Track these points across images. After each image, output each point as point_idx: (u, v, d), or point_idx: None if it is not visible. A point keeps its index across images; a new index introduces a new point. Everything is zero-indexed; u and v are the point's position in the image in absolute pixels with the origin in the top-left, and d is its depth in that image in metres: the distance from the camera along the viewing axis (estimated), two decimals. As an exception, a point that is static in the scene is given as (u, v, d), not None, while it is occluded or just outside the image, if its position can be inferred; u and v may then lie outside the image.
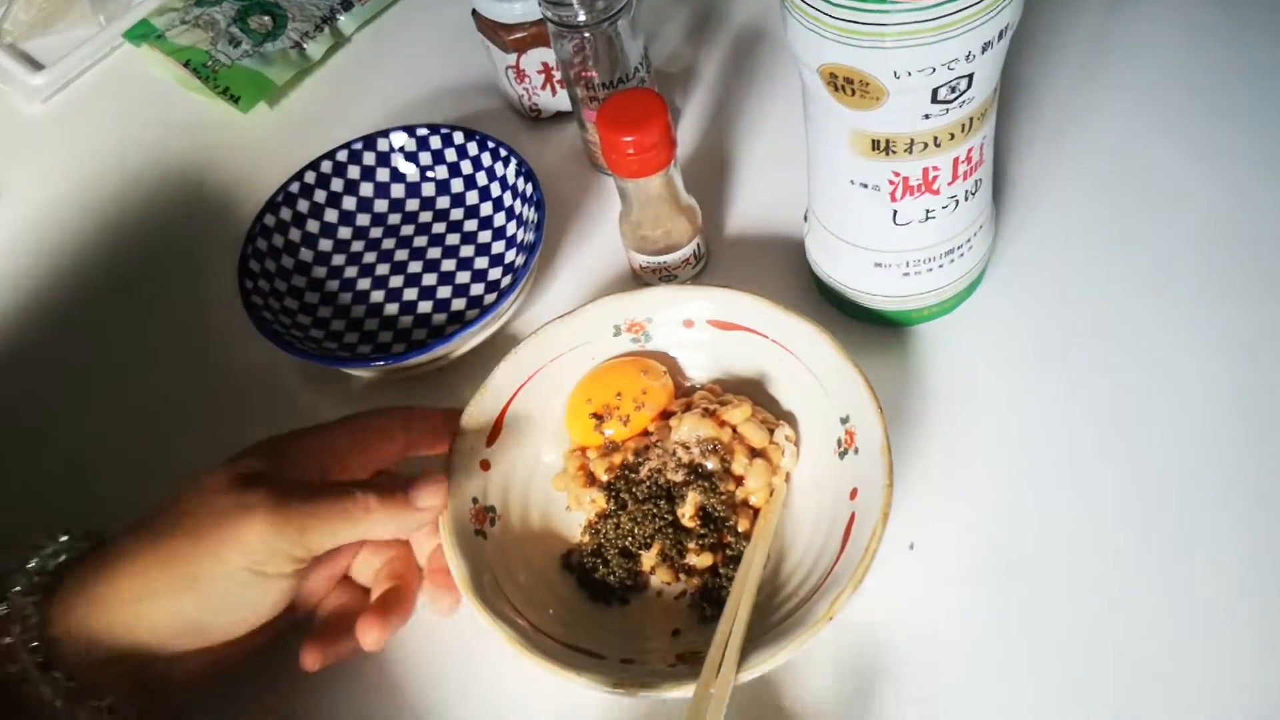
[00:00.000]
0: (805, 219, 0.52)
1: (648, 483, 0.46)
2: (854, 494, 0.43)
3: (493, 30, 0.60)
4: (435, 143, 0.60)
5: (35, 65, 0.77)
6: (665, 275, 0.55)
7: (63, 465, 0.56)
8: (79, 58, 0.76)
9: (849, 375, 0.44)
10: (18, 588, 0.39)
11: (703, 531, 0.45)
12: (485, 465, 0.47)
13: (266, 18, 0.72)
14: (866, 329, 0.52)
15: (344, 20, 0.73)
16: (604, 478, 0.47)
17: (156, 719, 0.40)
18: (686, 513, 0.45)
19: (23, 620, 0.38)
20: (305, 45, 0.72)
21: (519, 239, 0.57)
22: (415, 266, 0.59)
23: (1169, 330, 0.50)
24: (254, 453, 0.42)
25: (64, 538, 0.41)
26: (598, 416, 0.48)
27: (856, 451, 0.44)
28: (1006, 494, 0.47)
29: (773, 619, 0.41)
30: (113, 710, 0.39)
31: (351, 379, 0.55)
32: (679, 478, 0.46)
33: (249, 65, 0.70)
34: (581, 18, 0.53)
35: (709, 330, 0.49)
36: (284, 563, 0.39)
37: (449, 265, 0.58)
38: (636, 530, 0.45)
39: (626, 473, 0.46)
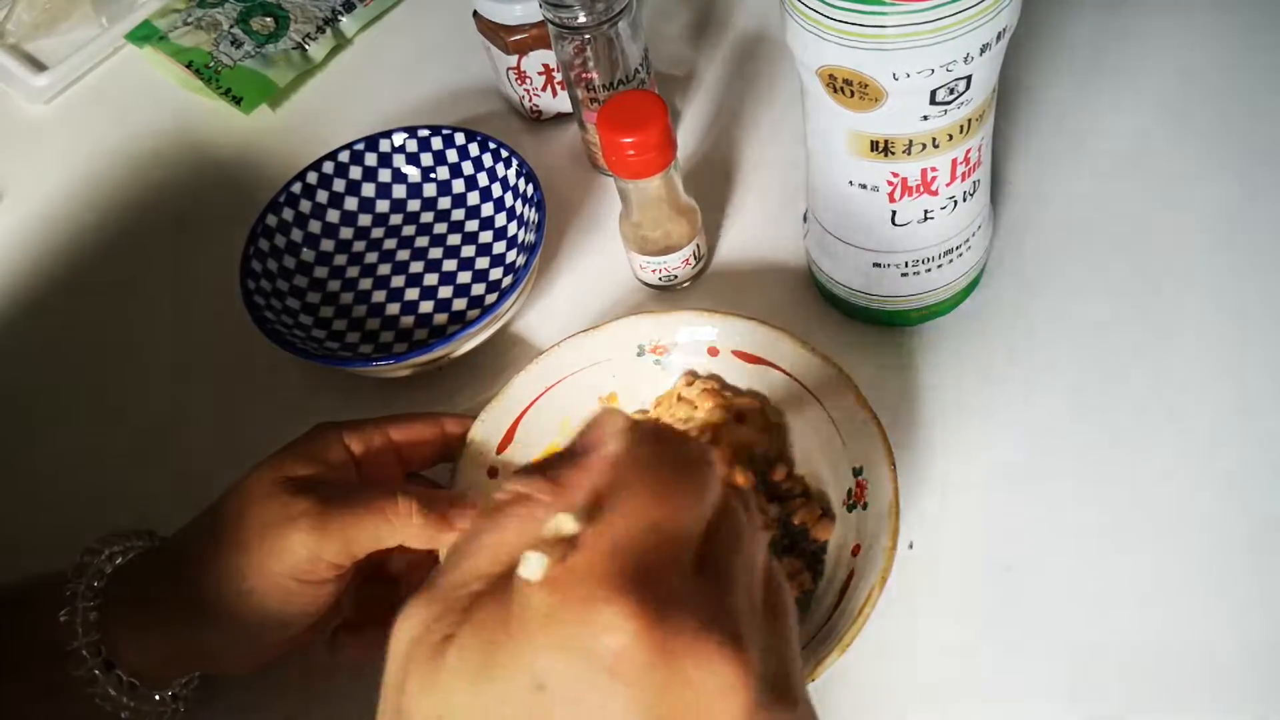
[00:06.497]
0: (804, 220, 0.52)
1: None
2: (856, 550, 0.42)
3: (494, 32, 0.60)
4: (437, 144, 0.60)
5: (38, 66, 0.77)
6: (665, 275, 0.55)
7: (64, 463, 0.57)
8: (81, 59, 0.77)
9: (868, 428, 0.44)
10: (79, 592, 0.40)
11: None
12: (493, 472, 0.47)
13: (269, 19, 0.72)
14: (865, 328, 0.52)
15: (346, 22, 0.74)
16: None
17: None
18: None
19: (85, 625, 0.39)
20: (307, 47, 0.72)
21: (520, 239, 0.57)
22: (417, 266, 0.59)
23: (1167, 331, 0.50)
24: (297, 451, 0.42)
25: (118, 542, 0.42)
26: None
27: (865, 507, 0.43)
28: (1003, 494, 0.47)
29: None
30: (175, 698, 0.41)
31: (353, 378, 0.55)
32: None
33: (251, 66, 0.70)
34: (582, 19, 0.53)
35: (733, 361, 0.49)
36: (327, 570, 0.39)
37: (450, 265, 0.59)
38: None
39: None
